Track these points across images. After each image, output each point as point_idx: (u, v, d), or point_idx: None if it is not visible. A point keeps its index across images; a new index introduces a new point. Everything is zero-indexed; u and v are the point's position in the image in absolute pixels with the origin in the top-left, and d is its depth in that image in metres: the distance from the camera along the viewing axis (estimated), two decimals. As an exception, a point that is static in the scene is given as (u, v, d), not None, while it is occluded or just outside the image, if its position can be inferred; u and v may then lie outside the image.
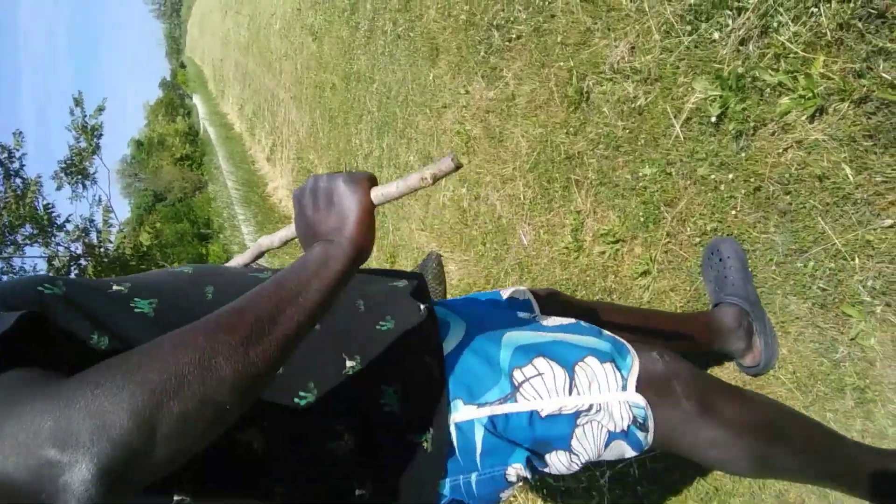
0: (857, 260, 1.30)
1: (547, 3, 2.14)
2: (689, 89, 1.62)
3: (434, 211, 3.06)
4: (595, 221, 1.96)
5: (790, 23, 1.38)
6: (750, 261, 1.49)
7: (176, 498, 0.66)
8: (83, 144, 9.40)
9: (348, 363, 0.79)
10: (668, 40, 1.68)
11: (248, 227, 7.39)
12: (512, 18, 2.35)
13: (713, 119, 1.55)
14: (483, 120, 2.58)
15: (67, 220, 8.47)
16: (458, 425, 0.85)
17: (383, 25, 3.61)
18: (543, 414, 0.87)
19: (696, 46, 1.61)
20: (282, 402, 0.75)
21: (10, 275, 8.17)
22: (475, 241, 2.66)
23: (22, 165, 8.29)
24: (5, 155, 8.09)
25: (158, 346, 0.53)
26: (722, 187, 1.55)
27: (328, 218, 0.71)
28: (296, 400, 0.75)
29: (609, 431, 0.90)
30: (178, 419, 0.49)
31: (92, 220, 8.21)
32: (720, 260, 1.51)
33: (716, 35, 1.55)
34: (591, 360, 0.91)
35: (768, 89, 1.43)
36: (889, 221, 1.25)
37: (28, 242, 8.02)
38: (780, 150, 1.42)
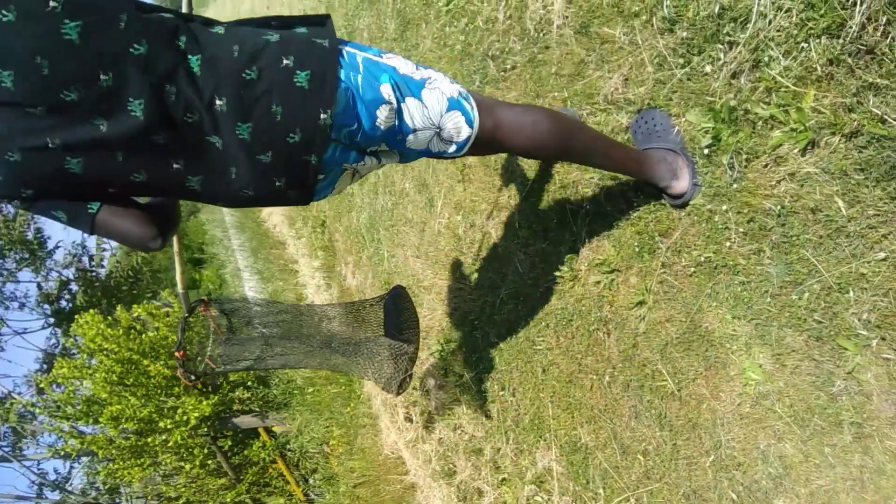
0: (851, 293, 1.30)
1: (542, 34, 2.17)
2: (684, 121, 1.63)
3: (429, 238, 3.06)
4: (590, 251, 1.96)
5: (781, 57, 1.40)
6: (745, 293, 1.49)
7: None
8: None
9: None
10: (662, 73, 1.70)
11: (242, 253, 7.37)
12: (507, 49, 2.37)
13: (705, 151, 1.56)
14: (478, 149, 2.59)
15: (58, 246, 8.44)
16: (347, 53, 1.26)
17: (379, 55, 3.64)
18: (401, 71, 1.31)
19: (688, 79, 1.62)
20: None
21: (1, 300, 8.11)
22: (470, 268, 2.65)
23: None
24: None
25: None
26: (716, 218, 1.55)
27: None
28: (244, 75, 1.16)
29: (447, 98, 1.33)
30: None
31: (84, 246, 8.20)
32: (646, 122, 1.70)
33: (708, 68, 1.57)
34: (431, 69, 1.38)
35: (760, 122, 1.45)
36: (882, 254, 1.25)
37: (18, 268, 7.98)
38: (773, 183, 1.43)
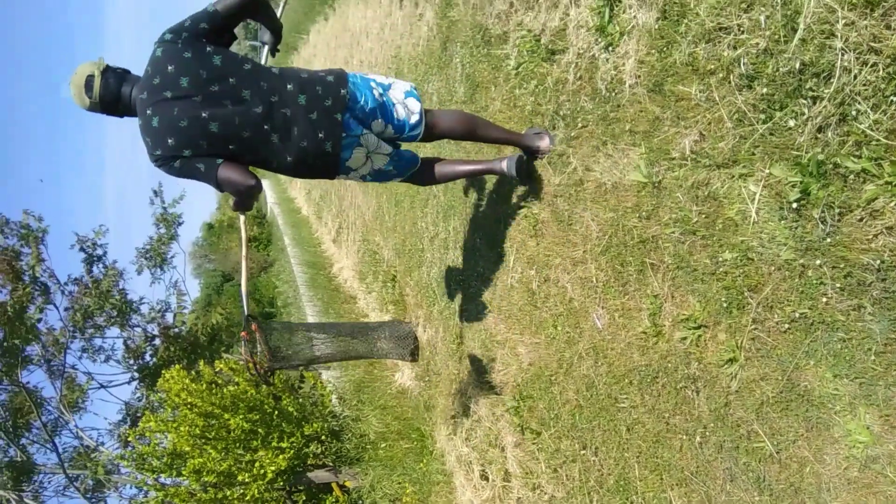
0: (966, 350, 1.23)
1: (614, 94, 2.22)
2: (768, 175, 1.62)
3: (501, 292, 3.08)
4: (674, 306, 1.93)
5: (869, 111, 1.38)
6: (846, 350, 1.44)
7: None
8: (163, 231, 10.01)
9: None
10: (742, 128, 1.70)
11: (312, 308, 7.56)
12: (578, 108, 2.43)
13: (794, 205, 1.54)
14: (551, 204, 2.63)
15: (142, 302, 8.93)
16: (350, 73, 2.29)
17: (449, 116, 3.77)
18: (378, 80, 2.36)
19: (771, 134, 1.62)
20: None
21: (91, 354, 8.60)
22: (545, 323, 2.65)
23: (105, 252, 8.86)
24: (89, 244, 8.69)
25: None
26: (809, 273, 1.52)
27: None
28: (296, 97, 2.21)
29: (404, 91, 2.38)
30: None
31: (168, 304, 8.66)
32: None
33: (791, 123, 1.56)
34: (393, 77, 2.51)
35: (852, 175, 1.42)
36: None
37: (107, 325, 8.46)
38: (870, 237, 1.39)
